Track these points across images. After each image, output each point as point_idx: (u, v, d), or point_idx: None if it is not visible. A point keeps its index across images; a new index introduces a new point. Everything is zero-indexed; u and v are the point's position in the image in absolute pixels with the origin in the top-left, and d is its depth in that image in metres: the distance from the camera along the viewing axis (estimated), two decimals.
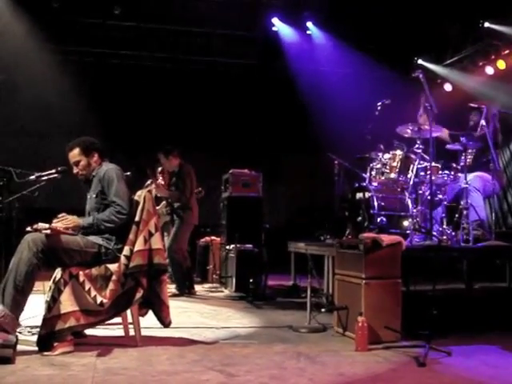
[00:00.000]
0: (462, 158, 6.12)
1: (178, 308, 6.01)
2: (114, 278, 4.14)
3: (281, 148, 11.62)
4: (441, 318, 4.20)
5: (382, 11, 9.79)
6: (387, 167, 6.35)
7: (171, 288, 7.04)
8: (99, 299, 4.07)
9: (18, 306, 3.91)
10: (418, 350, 4.11)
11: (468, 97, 8.76)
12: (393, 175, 6.28)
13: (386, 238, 4.62)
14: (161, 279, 4.39)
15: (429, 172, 5.89)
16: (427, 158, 6.10)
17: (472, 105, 6.64)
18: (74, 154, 4.56)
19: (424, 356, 3.88)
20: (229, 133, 11.30)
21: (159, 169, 7.85)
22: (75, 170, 4.59)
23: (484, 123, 6.37)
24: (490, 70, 9.71)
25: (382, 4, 9.61)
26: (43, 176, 4.84)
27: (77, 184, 4.69)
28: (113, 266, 4.19)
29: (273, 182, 9.86)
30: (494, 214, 6.35)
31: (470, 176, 6.29)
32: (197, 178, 7.58)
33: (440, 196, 6.21)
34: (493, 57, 9.66)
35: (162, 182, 7.55)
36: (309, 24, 11.07)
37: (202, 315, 5.86)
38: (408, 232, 5.85)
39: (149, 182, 7.46)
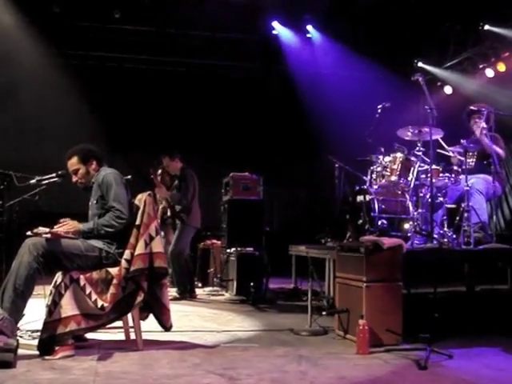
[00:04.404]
0: (463, 160, 6.12)
1: (178, 311, 6.00)
2: (114, 281, 4.14)
3: (281, 151, 11.61)
4: (442, 321, 4.19)
5: (381, 14, 9.79)
6: (388, 170, 6.34)
7: (172, 291, 7.04)
8: (100, 303, 4.06)
9: (17, 309, 3.92)
10: (419, 352, 4.11)
11: (468, 100, 8.76)
12: (393, 178, 6.27)
13: (387, 241, 4.62)
14: (161, 283, 4.39)
15: (429, 175, 5.88)
16: (428, 160, 6.10)
17: (472, 108, 6.64)
18: (73, 162, 4.56)
19: (425, 359, 3.87)
20: (229, 136, 11.30)
21: (159, 171, 7.85)
22: (74, 179, 4.59)
23: (485, 125, 6.37)
24: (490, 73, 9.71)
25: (381, 7, 9.61)
26: (43, 180, 4.86)
27: (78, 188, 4.68)
28: (113, 270, 4.19)
29: (273, 185, 9.86)
30: (495, 217, 6.34)
31: (473, 178, 6.28)
32: (198, 182, 7.60)
33: (441, 199, 6.20)
34: (493, 59, 9.66)
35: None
36: (309, 27, 11.08)
37: (203, 319, 5.85)
38: (409, 235, 5.84)
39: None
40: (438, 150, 6.41)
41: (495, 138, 6.48)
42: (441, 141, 6.44)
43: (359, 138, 6.80)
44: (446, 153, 6.55)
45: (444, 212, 6.14)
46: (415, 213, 6.04)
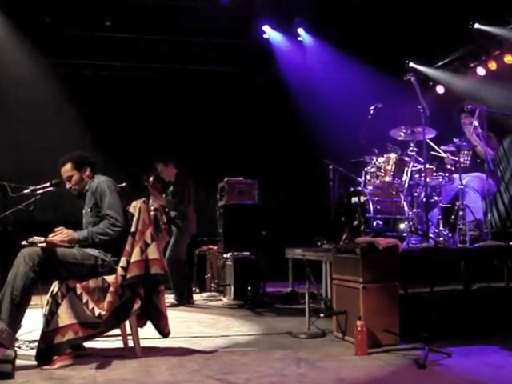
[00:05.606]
0: (457, 159, 6.14)
1: (176, 318, 6.00)
2: (111, 289, 4.13)
3: (275, 155, 11.61)
4: (440, 320, 4.20)
5: (372, 15, 9.81)
6: (382, 171, 6.36)
7: (170, 298, 7.03)
8: (97, 311, 4.06)
9: (15, 320, 3.91)
10: (417, 352, 4.12)
11: (460, 98, 8.78)
12: (387, 178, 6.28)
13: (383, 242, 4.63)
14: (158, 289, 4.38)
15: (423, 174, 5.90)
16: (421, 160, 6.11)
17: (464, 108, 6.65)
18: (67, 169, 4.57)
19: (424, 358, 3.88)
20: (223, 141, 11.30)
21: (151, 178, 7.81)
22: (68, 185, 4.59)
23: (477, 124, 6.38)
24: (481, 71, 9.75)
25: (372, 8, 9.64)
26: (38, 189, 4.84)
27: (72, 197, 4.68)
28: (110, 278, 4.18)
29: (268, 188, 9.84)
30: (490, 214, 6.35)
31: (467, 177, 6.30)
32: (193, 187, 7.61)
33: (435, 198, 6.22)
34: (484, 58, 9.70)
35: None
36: (300, 30, 11.09)
37: (201, 324, 5.85)
38: (404, 235, 5.86)
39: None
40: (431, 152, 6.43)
41: (488, 137, 6.49)
42: (429, 142, 6.44)
43: (353, 140, 6.82)
44: (437, 153, 6.57)
45: (439, 211, 6.16)
46: (410, 212, 6.06)
